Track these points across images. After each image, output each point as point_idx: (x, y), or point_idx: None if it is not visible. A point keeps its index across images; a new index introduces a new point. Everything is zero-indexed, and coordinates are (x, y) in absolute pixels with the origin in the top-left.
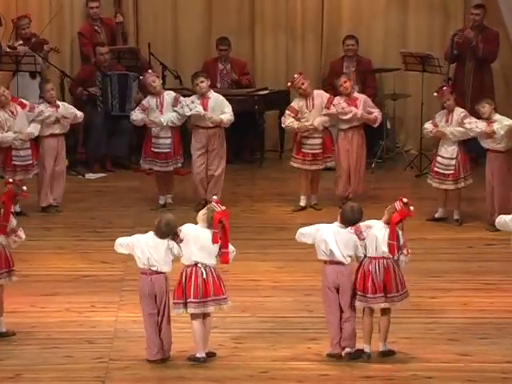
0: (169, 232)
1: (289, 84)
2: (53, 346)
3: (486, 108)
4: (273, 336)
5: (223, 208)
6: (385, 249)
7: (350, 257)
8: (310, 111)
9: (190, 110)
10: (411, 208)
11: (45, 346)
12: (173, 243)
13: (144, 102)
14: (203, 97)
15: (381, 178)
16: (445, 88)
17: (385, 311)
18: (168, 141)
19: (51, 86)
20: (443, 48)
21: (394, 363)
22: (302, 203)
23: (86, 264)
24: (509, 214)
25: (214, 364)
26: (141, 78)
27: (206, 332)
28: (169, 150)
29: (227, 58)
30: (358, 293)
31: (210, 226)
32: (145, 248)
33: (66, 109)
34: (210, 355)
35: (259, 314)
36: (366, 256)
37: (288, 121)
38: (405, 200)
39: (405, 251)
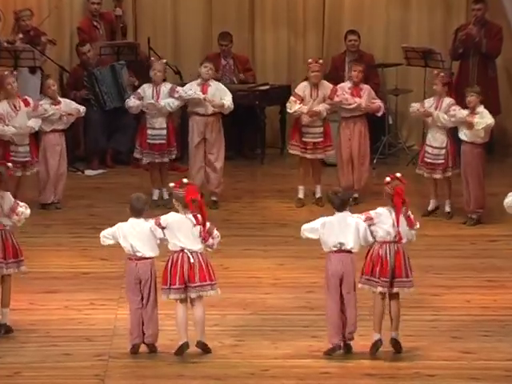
0: (142, 206)
1: (310, 60)
2: (52, 343)
3: (473, 97)
4: (274, 333)
5: (187, 184)
6: (394, 233)
7: (359, 243)
8: (314, 100)
9: (189, 95)
10: (398, 176)
11: (44, 343)
12: (155, 226)
13: (140, 90)
14: (204, 83)
15: (383, 174)
16: (441, 74)
17: (393, 297)
18: (164, 131)
19: (52, 82)
20: (445, 43)
21: (396, 361)
22: (301, 195)
23: (86, 261)
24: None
25: (214, 362)
26: (152, 59)
27: (199, 318)
28: (164, 142)
29: (229, 54)
30: (364, 276)
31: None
32: (127, 234)
33: (68, 105)
34: (206, 349)
35: (260, 311)
36: (375, 241)
37: (296, 106)
38: (398, 175)
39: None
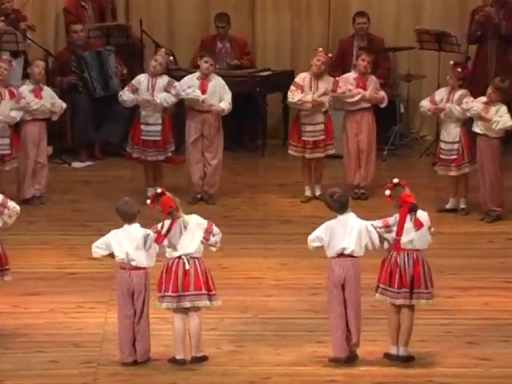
0: (135, 209)
1: (320, 49)
2: (37, 349)
3: (494, 94)
4: (276, 338)
5: (161, 195)
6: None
7: (365, 247)
8: (314, 93)
9: (187, 94)
10: (396, 182)
11: (28, 349)
12: (152, 233)
13: (134, 82)
14: (204, 77)
15: (394, 167)
16: (458, 70)
17: (407, 309)
18: (158, 128)
19: (43, 65)
20: (461, 25)
21: (408, 368)
22: (308, 193)
23: (72, 261)
24: (500, 205)
25: (211, 369)
26: (162, 50)
27: (194, 331)
28: (159, 138)
29: (226, 37)
30: (381, 286)
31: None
32: (123, 242)
33: (50, 95)
34: (202, 359)
35: (261, 314)
36: (390, 246)
37: (298, 96)
38: (395, 181)
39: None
